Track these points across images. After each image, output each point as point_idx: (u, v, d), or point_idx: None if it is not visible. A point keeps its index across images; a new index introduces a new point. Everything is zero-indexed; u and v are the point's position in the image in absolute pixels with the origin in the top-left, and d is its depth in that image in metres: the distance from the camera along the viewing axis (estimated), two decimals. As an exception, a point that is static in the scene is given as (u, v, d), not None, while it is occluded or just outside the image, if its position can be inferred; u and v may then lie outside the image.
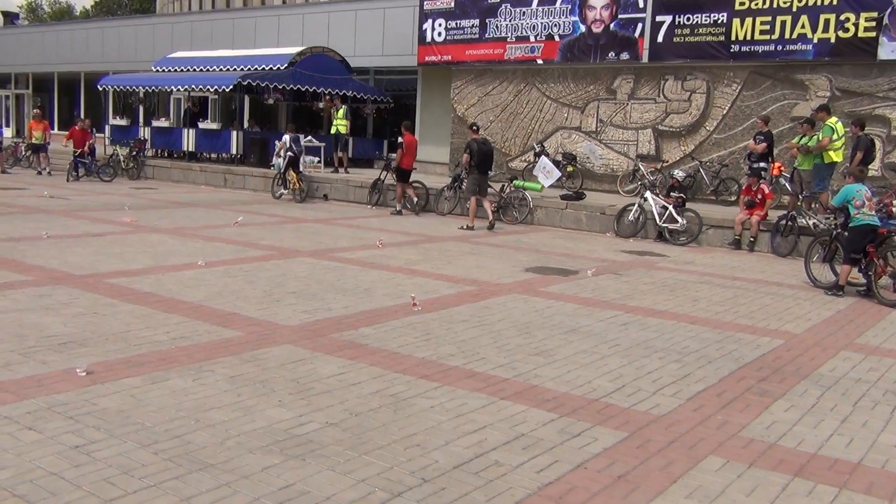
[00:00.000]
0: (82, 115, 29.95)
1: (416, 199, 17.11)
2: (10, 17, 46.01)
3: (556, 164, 18.51)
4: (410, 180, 16.98)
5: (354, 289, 8.58)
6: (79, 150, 21.41)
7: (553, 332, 7.12)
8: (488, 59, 20.79)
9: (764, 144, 14.83)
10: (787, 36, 16.38)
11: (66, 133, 22.09)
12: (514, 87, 20.58)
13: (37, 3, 70.37)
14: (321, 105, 23.06)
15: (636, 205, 14.78)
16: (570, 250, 12.64)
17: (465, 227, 14.62)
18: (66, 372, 5.31)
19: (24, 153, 24.89)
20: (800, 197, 13.77)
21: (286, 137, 18.37)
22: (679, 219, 14.11)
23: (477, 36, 20.89)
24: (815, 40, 16.06)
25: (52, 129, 28.54)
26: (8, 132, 34.65)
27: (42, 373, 5.29)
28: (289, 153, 18.15)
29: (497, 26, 20.50)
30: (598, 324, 7.57)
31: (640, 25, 18.33)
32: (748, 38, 16.86)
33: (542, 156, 18.10)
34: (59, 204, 15.52)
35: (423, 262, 10.61)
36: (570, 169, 18.89)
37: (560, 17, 19.51)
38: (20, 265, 8.99)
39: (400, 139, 16.79)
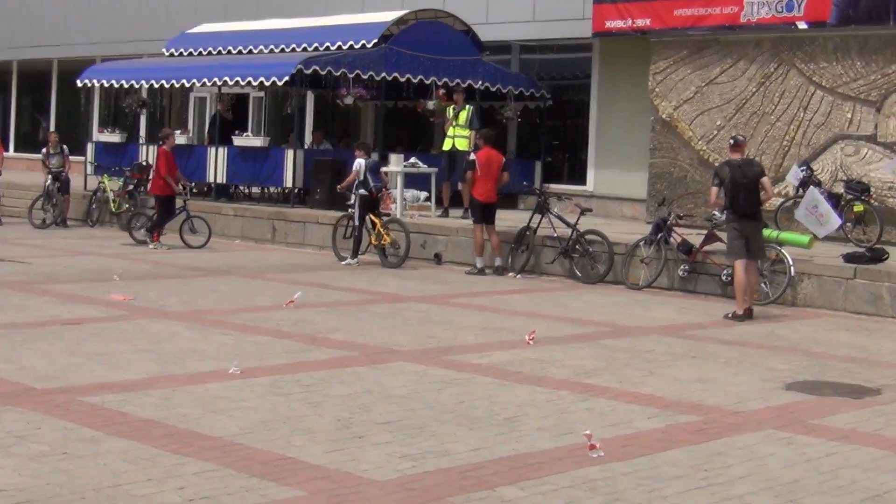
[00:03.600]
0: (51, 126, 31.51)
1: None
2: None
3: (836, 199, 18.03)
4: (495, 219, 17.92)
5: (488, 417, 8.54)
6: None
7: (840, 502, 6.77)
8: (713, 24, 20.70)
9: None
10: None
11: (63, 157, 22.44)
12: (759, 70, 20.35)
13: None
14: (431, 105, 22.96)
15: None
16: (864, 352, 12.31)
17: (730, 315, 14.19)
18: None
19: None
20: None
21: (360, 162, 18.26)
22: None
23: (692, -15, 20.91)
24: None
25: (7, 150, 30.15)
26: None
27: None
28: (360, 190, 17.89)
29: (728, -32, 20.46)
30: (925, 489, 7.14)
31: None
32: None
33: (811, 186, 17.68)
34: (13, 271, 16.25)
35: (606, 372, 10.51)
36: (858, 209, 18.35)
37: (838, -50, 19.27)
38: (-51, 372, 9.36)
39: (472, 156, 17.59)
